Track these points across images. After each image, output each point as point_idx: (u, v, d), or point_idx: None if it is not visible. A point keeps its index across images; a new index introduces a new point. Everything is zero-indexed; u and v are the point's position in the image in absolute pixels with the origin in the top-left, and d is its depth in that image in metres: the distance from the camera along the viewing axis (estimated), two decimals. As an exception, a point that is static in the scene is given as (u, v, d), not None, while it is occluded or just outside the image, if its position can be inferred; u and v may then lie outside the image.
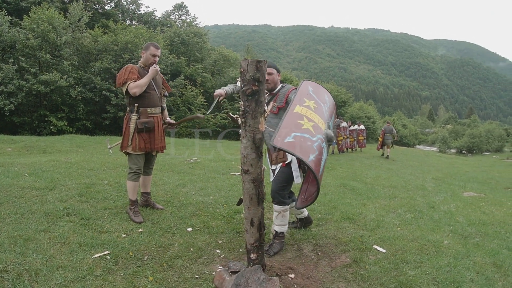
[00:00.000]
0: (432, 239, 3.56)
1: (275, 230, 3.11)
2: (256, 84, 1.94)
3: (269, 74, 3.08)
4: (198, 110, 19.86)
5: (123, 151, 3.47)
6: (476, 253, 3.31)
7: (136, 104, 3.36)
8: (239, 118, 2.07)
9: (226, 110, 20.52)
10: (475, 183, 9.43)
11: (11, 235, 2.80)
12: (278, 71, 3.17)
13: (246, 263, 2.30)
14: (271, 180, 3.22)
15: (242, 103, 1.99)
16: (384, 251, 3.17)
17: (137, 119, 3.36)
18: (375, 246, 3.26)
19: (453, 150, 41.99)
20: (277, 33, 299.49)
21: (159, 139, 3.54)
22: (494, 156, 30.81)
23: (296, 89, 3.01)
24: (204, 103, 20.42)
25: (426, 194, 6.18)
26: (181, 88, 20.00)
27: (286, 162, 3.05)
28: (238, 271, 2.14)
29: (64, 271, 2.39)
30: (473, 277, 2.81)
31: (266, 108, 2.07)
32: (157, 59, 3.45)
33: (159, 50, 3.47)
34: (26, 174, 4.72)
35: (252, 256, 2.17)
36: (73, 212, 3.45)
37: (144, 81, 3.32)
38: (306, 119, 2.48)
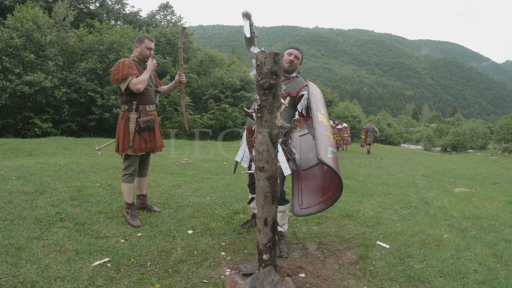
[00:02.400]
0: (432, 234, 3.59)
1: (279, 231, 3.01)
2: (274, 77, 1.85)
3: (296, 57, 2.97)
4: (185, 110, 19.60)
5: (123, 153, 3.26)
6: (475, 246, 3.36)
7: (134, 102, 3.20)
8: (254, 113, 1.97)
9: (213, 111, 20.30)
10: (464, 179, 9.60)
11: (2, 244, 2.63)
12: (302, 59, 3.06)
13: (257, 264, 2.22)
14: (246, 166, 3.05)
15: (258, 97, 1.90)
16: (388, 246, 3.17)
17: (137, 117, 3.21)
18: (378, 242, 3.25)
19: (438, 148, 42.83)
20: (262, 33, 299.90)
21: (159, 137, 3.44)
22: (478, 154, 31.60)
23: (306, 85, 2.87)
24: (191, 103, 20.13)
25: (418, 191, 6.25)
26: (167, 89, 19.69)
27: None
28: (250, 274, 2.06)
29: (62, 282, 2.23)
30: (476, 268, 2.85)
31: (283, 101, 1.99)
32: (152, 52, 3.31)
33: (154, 43, 3.34)
34: (14, 178, 4.51)
35: (265, 257, 2.08)
36: (66, 217, 3.28)
37: (146, 76, 3.18)
38: (329, 131, 2.40)
